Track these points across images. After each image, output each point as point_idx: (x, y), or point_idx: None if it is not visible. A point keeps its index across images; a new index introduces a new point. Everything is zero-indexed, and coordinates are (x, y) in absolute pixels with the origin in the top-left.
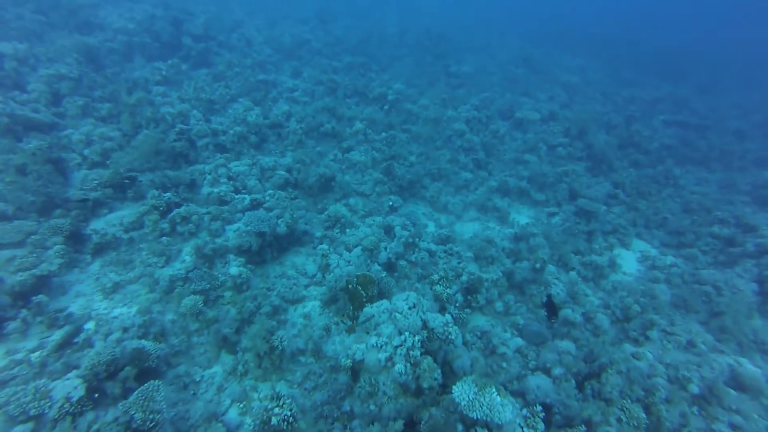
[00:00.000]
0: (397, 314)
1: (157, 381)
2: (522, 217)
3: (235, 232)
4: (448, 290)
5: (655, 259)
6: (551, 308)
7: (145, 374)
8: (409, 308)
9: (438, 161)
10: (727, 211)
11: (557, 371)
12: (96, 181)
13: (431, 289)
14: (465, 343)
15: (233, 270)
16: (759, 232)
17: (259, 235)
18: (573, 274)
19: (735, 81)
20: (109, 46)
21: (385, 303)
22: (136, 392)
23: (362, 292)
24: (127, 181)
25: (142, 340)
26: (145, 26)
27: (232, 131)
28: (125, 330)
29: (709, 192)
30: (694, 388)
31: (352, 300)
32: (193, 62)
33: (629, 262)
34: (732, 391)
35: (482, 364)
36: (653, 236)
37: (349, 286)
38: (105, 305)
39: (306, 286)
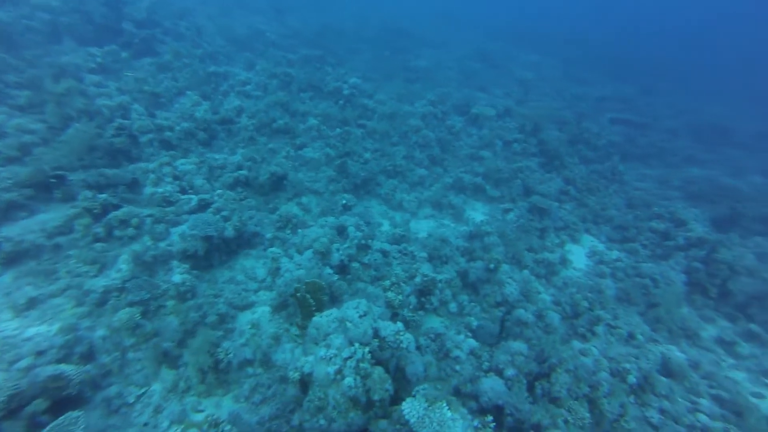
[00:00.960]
0: (347, 323)
1: (76, 412)
2: (477, 213)
3: (180, 236)
4: (400, 296)
5: (602, 254)
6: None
7: (63, 404)
8: (360, 317)
9: (393, 158)
10: (663, 206)
11: (510, 372)
12: (10, 180)
13: (383, 294)
14: (419, 347)
15: (176, 278)
16: (688, 226)
17: (206, 239)
18: (526, 272)
19: (672, 83)
20: (25, 24)
21: (334, 312)
22: (47, 429)
23: (311, 300)
24: (53, 180)
25: (61, 365)
26: (73, 5)
27: (178, 127)
28: (39, 354)
29: (650, 188)
30: (632, 379)
31: (301, 308)
32: (135, 50)
33: (579, 257)
34: (663, 378)
35: (436, 368)
36: (601, 231)
37: (298, 294)
38: (15, 325)
39: (255, 291)
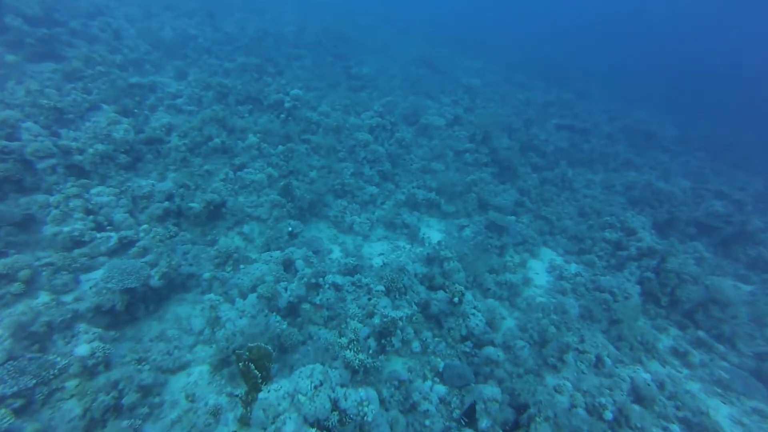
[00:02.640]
0: (300, 397)
1: None
2: (432, 231)
3: (91, 288)
4: (360, 356)
5: (561, 268)
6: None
7: None
8: (315, 387)
9: (341, 175)
10: (610, 213)
11: (484, 424)
12: None
13: (341, 352)
14: (382, 401)
15: (82, 349)
16: (638, 234)
17: (126, 292)
18: (491, 301)
19: (602, 88)
20: None
21: (284, 385)
22: None
23: (256, 372)
24: None
25: None
26: None
27: (91, 150)
28: None
29: (597, 194)
30: (608, 415)
31: (245, 380)
32: (29, 52)
33: (540, 273)
34: (636, 407)
35: (403, 425)
36: (558, 243)
37: (240, 364)
38: None
39: (192, 347)
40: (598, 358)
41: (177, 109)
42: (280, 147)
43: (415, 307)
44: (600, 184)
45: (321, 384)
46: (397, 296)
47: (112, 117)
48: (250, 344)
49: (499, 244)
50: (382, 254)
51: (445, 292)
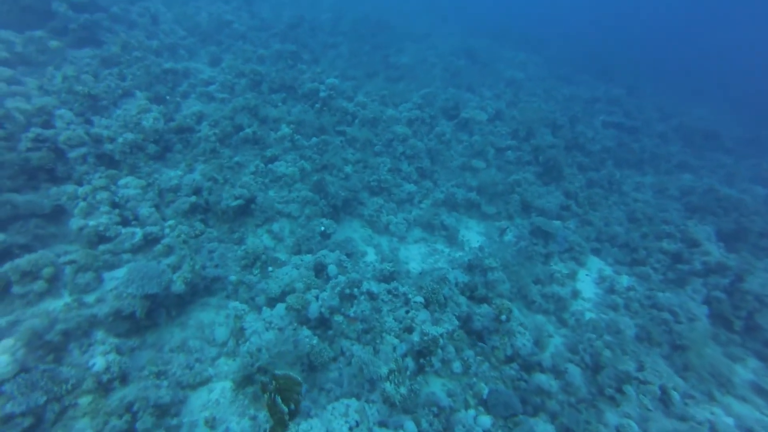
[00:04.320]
0: None
1: None
2: (472, 233)
3: (112, 291)
4: (401, 389)
5: (611, 280)
6: None
7: None
8: (351, 429)
9: (378, 171)
10: (665, 219)
11: None
12: None
13: (379, 384)
14: None
15: (98, 361)
16: (702, 247)
17: (147, 297)
18: (539, 317)
19: (656, 84)
20: None
21: (315, 426)
22: None
23: (283, 406)
24: None
25: None
26: None
27: (121, 138)
28: None
29: (648, 199)
30: None
31: (270, 413)
32: (72, 38)
33: (587, 284)
34: None
35: None
36: (607, 252)
37: (266, 396)
38: None
39: (214, 360)
40: (664, 391)
41: (209, 96)
42: (314, 139)
43: (456, 321)
44: (651, 187)
45: (357, 425)
46: (437, 309)
47: (143, 105)
48: (277, 372)
49: (544, 252)
50: (421, 264)
51: (490, 306)
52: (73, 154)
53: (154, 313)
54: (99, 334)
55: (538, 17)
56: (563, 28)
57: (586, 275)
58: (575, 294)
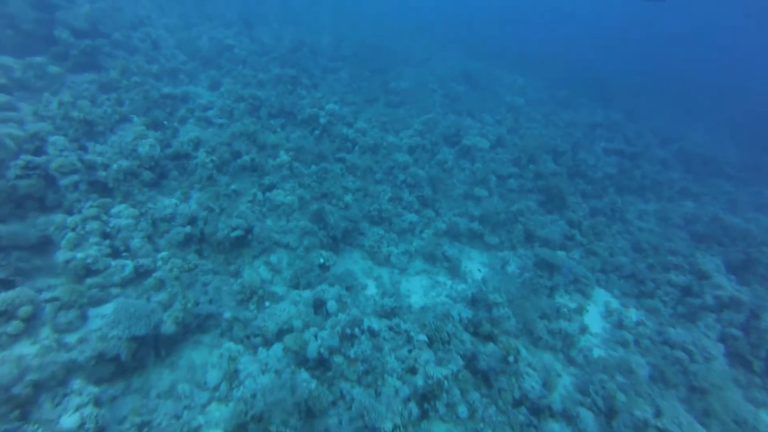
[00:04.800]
0: None
1: None
2: (475, 264)
3: (95, 332)
4: None
5: (619, 314)
6: None
7: None
8: None
9: (378, 200)
10: (671, 250)
11: None
12: None
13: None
14: None
15: (69, 420)
16: (712, 280)
17: (134, 339)
18: (546, 356)
19: (652, 107)
20: None
21: None
22: None
23: None
24: None
25: None
26: None
27: (115, 165)
28: None
29: (652, 227)
30: None
31: None
32: (73, 63)
33: (594, 318)
34: None
35: None
36: (612, 284)
37: None
38: None
39: (204, 407)
40: None
41: (207, 121)
42: (313, 166)
43: (460, 360)
44: (654, 215)
45: None
46: (440, 347)
47: (140, 131)
48: (272, 396)
49: (549, 285)
50: (423, 298)
51: (496, 345)
52: (64, 182)
53: (142, 353)
54: (76, 383)
55: (535, 39)
56: (558, 48)
57: (593, 309)
58: (583, 329)
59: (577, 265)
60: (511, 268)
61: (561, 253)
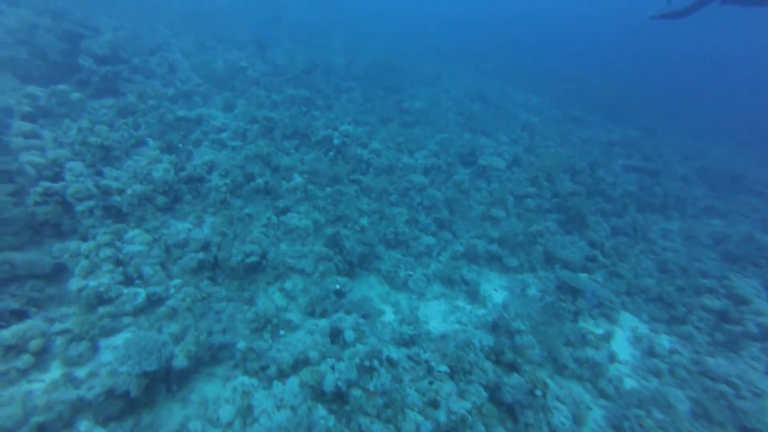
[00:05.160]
0: None
1: None
2: (493, 286)
3: (105, 367)
4: None
5: (650, 340)
6: None
7: None
8: None
9: (394, 222)
10: (701, 271)
11: None
12: None
13: None
14: None
15: None
16: (753, 305)
17: (144, 375)
18: (575, 387)
19: (671, 123)
20: None
21: None
22: None
23: None
24: None
25: None
26: (21, 37)
27: (130, 190)
28: None
29: (678, 247)
30: None
31: None
32: (94, 89)
33: (622, 344)
34: None
35: None
36: (639, 307)
37: None
38: None
39: None
40: None
41: (221, 143)
42: (328, 189)
43: (483, 392)
44: (679, 234)
45: None
46: (462, 378)
47: (154, 155)
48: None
49: (573, 309)
50: (443, 324)
51: (521, 375)
52: (80, 208)
53: (152, 388)
54: (84, 424)
55: (546, 57)
56: (570, 66)
57: (620, 334)
58: (612, 357)
59: (601, 287)
60: (532, 291)
61: (583, 276)
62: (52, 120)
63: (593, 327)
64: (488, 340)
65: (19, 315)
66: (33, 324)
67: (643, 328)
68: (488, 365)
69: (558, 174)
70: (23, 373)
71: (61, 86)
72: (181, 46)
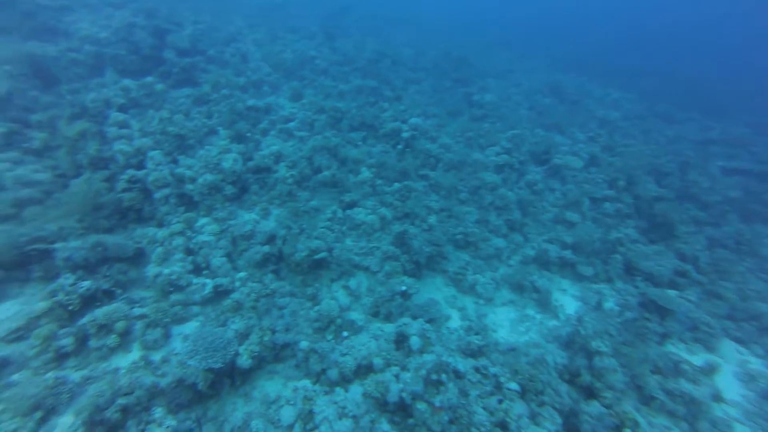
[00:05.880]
0: None
1: None
2: (566, 297)
3: (176, 356)
4: None
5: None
6: None
7: None
8: None
9: (463, 222)
10: None
11: None
12: None
13: None
14: None
15: None
16: None
17: (209, 371)
18: (665, 424)
19: None
20: (71, 57)
21: None
22: None
23: None
24: (34, 252)
25: None
26: (122, 35)
27: (201, 179)
28: None
29: None
30: None
31: None
32: (174, 80)
33: (727, 379)
34: None
35: None
36: (748, 337)
37: None
38: None
39: None
40: None
41: (288, 133)
42: (396, 184)
43: (558, 418)
44: None
45: None
46: (534, 398)
47: (224, 145)
48: None
49: (660, 331)
50: (509, 325)
51: (603, 405)
52: (158, 195)
53: (217, 382)
54: (158, 411)
55: (630, 48)
56: (655, 58)
57: (723, 367)
58: (716, 396)
59: (695, 308)
60: (609, 304)
61: (671, 293)
62: (139, 110)
63: (686, 354)
64: (561, 357)
65: (110, 295)
66: (118, 306)
67: (755, 363)
68: (563, 387)
69: (641, 176)
70: (112, 350)
71: (149, 78)
72: (254, 37)
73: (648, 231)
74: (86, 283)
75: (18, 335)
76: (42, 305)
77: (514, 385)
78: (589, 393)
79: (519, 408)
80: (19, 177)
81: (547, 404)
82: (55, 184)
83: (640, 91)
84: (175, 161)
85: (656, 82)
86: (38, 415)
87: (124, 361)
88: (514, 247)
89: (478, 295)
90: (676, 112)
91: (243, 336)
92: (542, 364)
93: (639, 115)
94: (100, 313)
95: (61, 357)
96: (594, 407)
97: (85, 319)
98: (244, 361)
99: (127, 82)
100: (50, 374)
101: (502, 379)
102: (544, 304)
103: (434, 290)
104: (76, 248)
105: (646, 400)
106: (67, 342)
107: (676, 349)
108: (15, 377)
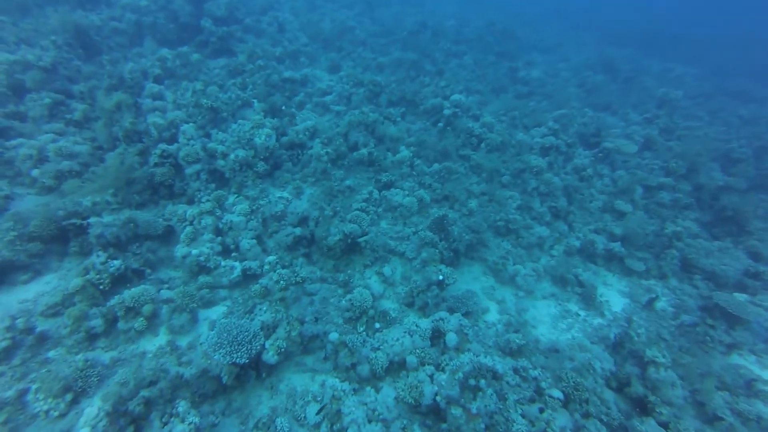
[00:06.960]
0: None
1: None
2: (612, 293)
3: (201, 346)
4: None
5: None
6: None
7: None
8: None
9: (505, 207)
10: None
11: None
12: (13, 232)
13: None
14: None
15: None
16: None
17: (234, 365)
18: None
19: None
20: (113, 26)
21: None
22: None
23: None
24: (70, 227)
25: None
26: (161, 3)
27: (233, 155)
28: None
29: None
30: None
31: None
32: (211, 50)
33: None
34: None
35: None
36: None
37: None
38: None
39: None
40: None
41: (324, 107)
42: (436, 165)
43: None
44: None
45: None
46: (578, 408)
47: (258, 119)
48: None
49: (727, 341)
50: (550, 321)
51: (660, 424)
52: (189, 171)
53: (242, 375)
54: (182, 404)
55: (691, 18)
56: (726, 29)
57: None
58: None
59: None
60: (662, 304)
61: (740, 296)
62: (174, 81)
63: (759, 370)
64: (609, 362)
65: (139, 275)
66: (145, 289)
67: None
68: (609, 396)
69: (705, 162)
70: (140, 333)
71: (185, 48)
72: (292, 5)
73: (711, 225)
74: (116, 263)
75: (55, 311)
76: (76, 282)
77: (557, 393)
78: (641, 405)
79: (562, 420)
80: (60, 149)
81: (593, 416)
82: (93, 156)
83: (708, 66)
84: (207, 135)
85: (730, 55)
86: (69, 397)
87: (151, 344)
88: (557, 236)
89: (518, 286)
90: (753, 89)
91: (270, 329)
92: (588, 370)
93: (706, 93)
94: (128, 295)
95: (91, 337)
96: (651, 426)
97: (113, 301)
98: (270, 357)
99: (164, 51)
100: (80, 356)
101: (544, 384)
102: (589, 299)
103: (472, 280)
104: (108, 224)
105: (710, 419)
106: (96, 323)
107: (745, 361)
108: (51, 353)
